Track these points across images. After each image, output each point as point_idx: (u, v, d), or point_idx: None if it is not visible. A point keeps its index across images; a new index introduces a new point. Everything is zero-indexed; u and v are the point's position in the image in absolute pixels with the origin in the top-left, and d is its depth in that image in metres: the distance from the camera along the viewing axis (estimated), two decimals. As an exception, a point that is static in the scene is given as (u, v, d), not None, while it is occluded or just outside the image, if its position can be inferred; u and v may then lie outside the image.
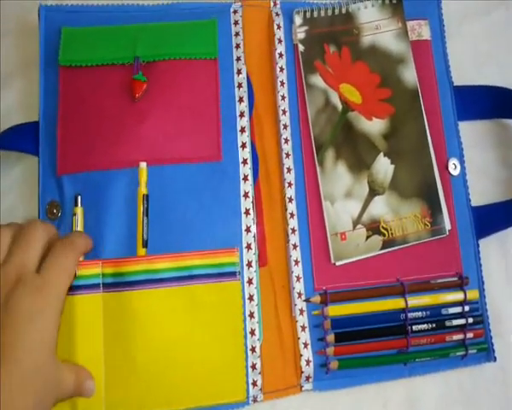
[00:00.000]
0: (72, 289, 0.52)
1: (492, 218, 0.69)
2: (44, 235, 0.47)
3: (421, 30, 0.71)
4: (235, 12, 0.66)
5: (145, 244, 0.55)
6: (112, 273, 0.53)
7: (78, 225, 0.56)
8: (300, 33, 0.66)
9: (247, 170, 0.60)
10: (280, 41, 0.66)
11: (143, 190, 0.56)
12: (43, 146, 0.57)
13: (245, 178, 0.60)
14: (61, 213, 0.56)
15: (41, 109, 0.58)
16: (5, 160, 0.62)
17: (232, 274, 0.57)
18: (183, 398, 0.54)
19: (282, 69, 0.65)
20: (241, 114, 0.62)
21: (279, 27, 0.66)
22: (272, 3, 0.68)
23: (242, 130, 0.61)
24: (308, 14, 0.67)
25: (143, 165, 0.56)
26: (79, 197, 0.56)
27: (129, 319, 0.53)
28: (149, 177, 0.57)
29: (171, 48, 0.61)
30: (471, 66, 0.75)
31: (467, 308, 0.64)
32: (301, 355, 0.58)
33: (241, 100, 0.62)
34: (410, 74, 0.68)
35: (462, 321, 0.64)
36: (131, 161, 0.57)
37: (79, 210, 0.56)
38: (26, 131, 0.60)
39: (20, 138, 0.59)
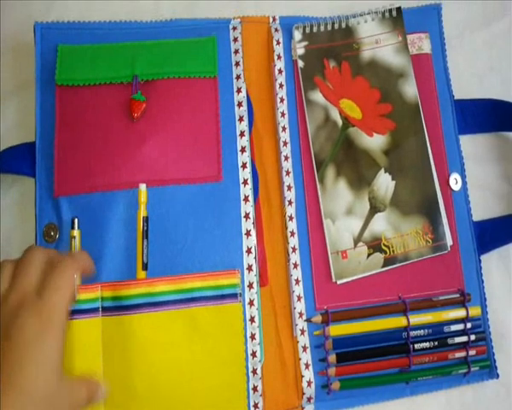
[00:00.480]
0: (71, 313, 0.51)
1: (494, 233, 0.69)
2: (42, 256, 0.46)
3: (421, 43, 0.70)
4: (234, 28, 0.65)
5: (145, 267, 0.55)
6: (111, 297, 0.53)
7: (77, 248, 0.54)
8: (300, 49, 0.66)
9: (247, 191, 0.59)
10: (279, 57, 0.65)
11: (143, 212, 0.55)
12: (40, 167, 0.57)
13: (245, 199, 0.59)
14: (58, 235, 0.55)
15: (37, 130, 0.58)
16: (2, 181, 0.61)
17: (233, 296, 0.56)
18: None
19: (281, 85, 0.64)
20: (242, 134, 0.61)
21: (278, 43, 0.66)
22: (271, 19, 0.67)
23: (243, 150, 0.61)
24: (308, 30, 0.66)
25: (143, 187, 0.55)
26: (76, 220, 0.56)
27: (128, 343, 0.52)
28: (149, 198, 0.57)
29: (170, 66, 0.60)
30: (472, 78, 0.75)
31: (469, 325, 0.64)
32: (303, 376, 0.58)
33: (241, 119, 0.62)
34: (410, 89, 0.68)
35: (464, 338, 0.64)
36: (130, 183, 0.57)
37: (77, 233, 0.55)
38: (21, 152, 0.59)
39: (16, 160, 0.59)
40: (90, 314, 0.51)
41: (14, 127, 0.62)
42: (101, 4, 0.64)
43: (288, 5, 0.69)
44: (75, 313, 0.51)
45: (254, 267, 0.58)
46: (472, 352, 0.63)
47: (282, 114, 0.64)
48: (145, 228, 0.55)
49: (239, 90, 0.62)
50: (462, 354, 0.63)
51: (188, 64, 0.61)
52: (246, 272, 0.58)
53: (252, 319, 0.57)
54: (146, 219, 0.55)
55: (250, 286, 0.57)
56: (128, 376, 0.52)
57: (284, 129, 0.63)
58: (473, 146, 0.72)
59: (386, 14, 0.69)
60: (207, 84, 0.61)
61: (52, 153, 0.56)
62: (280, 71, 0.65)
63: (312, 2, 0.70)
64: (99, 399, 0.47)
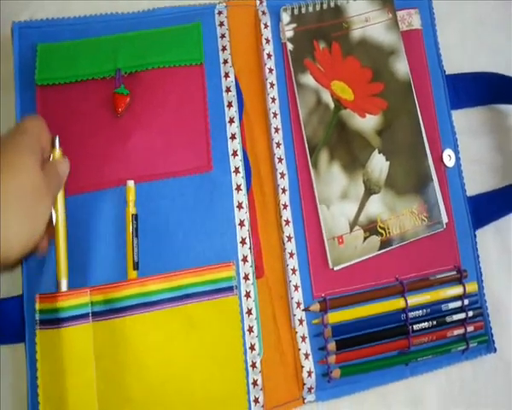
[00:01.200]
0: (60, 321, 0.42)
1: (489, 207, 0.60)
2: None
3: (411, 19, 0.59)
4: (219, 13, 0.54)
5: (136, 266, 0.45)
6: (101, 301, 0.44)
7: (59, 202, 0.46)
8: (289, 31, 0.55)
9: (239, 179, 0.50)
10: (268, 41, 0.55)
11: (132, 209, 0.46)
12: None
13: (238, 188, 0.49)
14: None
15: None
16: None
17: (229, 289, 0.48)
18: None
19: (271, 70, 0.54)
20: (231, 120, 0.51)
21: (266, 26, 0.55)
22: (258, 2, 0.56)
23: (233, 137, 0.51)
24: (296, 11, 0.55)
25: (131, 183, 0.46)
26: (57, 138, 0.46)
27: (122, 347, 0.44)
28: (138, 195, 0.47)
29: (153, 56, 0.50)
30: (463, 52, 0.64)
31: (466, 302, 0.56)
32: (302, 367, 0.49)
33: (230, 105, 0.51)
34: (402, 66, 0.57)
35: (462, 315, 0.55)
36: (118, 180, 0.47)
37: (58, 152, 0.46)
38: None
39: None
40: (80, 321, 0.42)
41: None
42: (80, -1, 0.52)
43: None
44: (65, 320, 0.43)
45: (249, 258, 0.49)
46: (470, 328, 0.55)
47: (273, 100, 0.53)
48: (135, 226, 0.45)
49: (227, 75, 0.52)
50: (460, 331, 0.55)
51: (172, 53, 0.51)
52: (241, 263, 0.49)
53: (249, 312, 0.48)
54: (135, 217, 0.45)
55: (246, 278, 0.49)
56: (123, 381, 0.44)
57: (275, 115, 0.53)
58: (465, 120, 0.62)
59: (376, -9, 0.57)
60: (193, 72, 0.51)
61: None
62: (269, 55, 0.54)
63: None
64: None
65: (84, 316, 0.43)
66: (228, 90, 0.52)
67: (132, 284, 0.45)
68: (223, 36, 0.53)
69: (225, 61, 0.52)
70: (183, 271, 0.47)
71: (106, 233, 0.46)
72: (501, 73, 0.60)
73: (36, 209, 0.37)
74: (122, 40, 0.50)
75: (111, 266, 0.45)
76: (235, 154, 0.50)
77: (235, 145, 0.50)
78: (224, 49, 0.53)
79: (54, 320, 0.43)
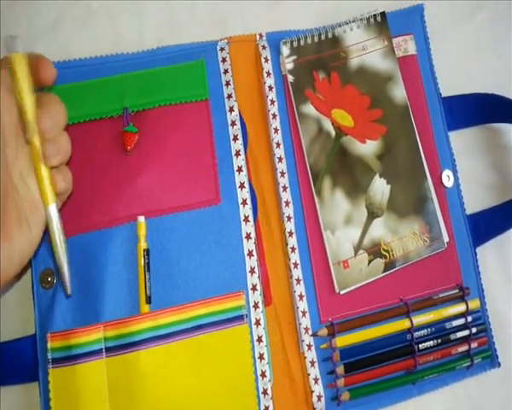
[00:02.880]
0: (73, 358, 0.40)
1: (488, 224, 0.58)
2: None
3: (406, 45, 0.57)
4: (221, 49, 0.53)
5: (148, 301, 0.43)
6: (115, 336, 0.42)
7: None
8: (289, 63, 0.53)
9: (247, 211, 0.48)
10: (269, 74, 0.53)
11: (143, 244, 0.43)
12: None
13: (245, 220, 0.48)
14: (55, 280, 0.43)
15: None
16: None
17: (239, 318, 0.46)
18: None
19: (272, 102, 0.52)
20: (237, 153, 0.50)
21: (267, 60, 0.53)
22: (258, 37, 0.55)
23: (239, 169, 0.49)
24: (295, 44, 0.53)
25: (142, 219, 0.44)
26: (18, 40, 0.39)
27: (136, 380, 0.42)
28: (148, 230, 0.45)
29: (160, 94, 0.49)
30: (460, 71, 0.62)
31: (469, 319, 0.54)
32: (312, 391, 0.47)
33: (235, 138, 0.50)
34: (399, 91, 0.56)
35: (466, 332, 0.54)
36: (128, 217, 0.46)
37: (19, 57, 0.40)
38: None
39: None
40: (93, 357, 0.40)
41: None
42: (84, 40, 0.51)
43: (273, 20, 0.56)
44: (78, 357, 0.41)
45: (258, 287, 0.48)
46: (474, 344, 0.53)
47: (276, 130, 0.51)
48: (146, 261, 0.43)
49: (231, 110, 0.51)
50: (464, 347, 0.53)
51: (178, 90, 0.49)
52: (250, 292, 0.48)
53: (259, 339, 0.46)
54: (147, 252, 0.43)
55: (255, 306, 0.47)
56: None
57: (278, 145, 0.51)
58: (461, 141, 0.61)
59: (371, 20, 0.56)
60: (199, 108, 0.50)
61: None
62: (270, 87, 0.52)
63: (298, 14, 0.57)
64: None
65: (97, 352, 0.41)
66: (233, 123, 0.50)
67: (144, 319, 0.43)
68: (226, 71, 0.52)
69: (229, 96, 0.51)
70: (194, 303, 0.45)
71: (117, 269, 0.44)
72: (495, 92, 0.58)
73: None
74: (128, 79, 0.49)
75: (123, 301, 0.44)
76: (242, 186, 0.49)
77: (241, 178, 0.49)
78: (227, 84, 0.51)
79: (67, 358, 0.41)
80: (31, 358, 0.44)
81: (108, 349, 0.43)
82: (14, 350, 0.44)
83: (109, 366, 0.42)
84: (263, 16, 0.57)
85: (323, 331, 0.49)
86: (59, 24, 0.53)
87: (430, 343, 0.52)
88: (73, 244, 0.44)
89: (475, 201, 0.59)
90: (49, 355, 0.42)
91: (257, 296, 0.47)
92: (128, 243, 0.45)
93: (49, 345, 0.42)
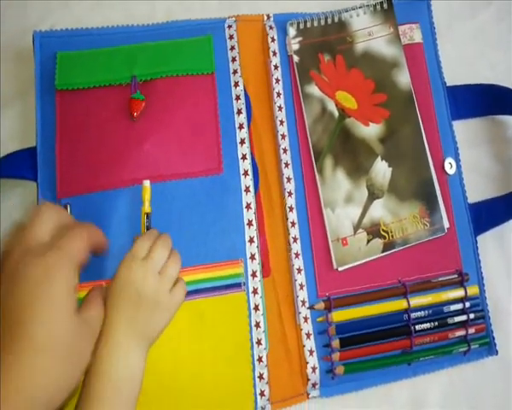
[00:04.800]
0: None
1: (489, 213, 0.62)
2: (52, 216, 0.39)
3: (412, 33, 0.62)
4: (229, 27, 0.58)
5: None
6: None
7: None
8: (295, 44, 0.58)
9: (248, 181, 0.53)
10: (275, 53, 0.58)
11: (147, 208, 0.48)
12: (42, 171, 0.51)
13: (246, 190, 0.53)
14: None
15: (38, 135, 0.52)
16: (2, 185, 0.55)
17: (237, 285, 0.51)
18: (195, 407, 0.48)
19: (277, 80, 0.57)
20: (240, 126, 0.55)
21: (273, 40, 0.59)
22: (265, 17, 0.60)
23: (242, 142, 0.54)
24: (301, 25, 0.59)
25: (147, 183, 0.49)
26: (68, 207, 0.49)
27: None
28: (153, 195, 0.50)
29: (167, 65, 0.54)
30: (463, 65, 0.67)
31: (468, 305, 0.57)
32: (307, 363, 0.52)
33: (239, 112, 0.55)
34: (403, 78, 0.60)
35: (463, 317, 0.57)
36: (133, 180, 0.51)
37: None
38: (22, 158, 0.52)
39: (17, 165, 0.52)
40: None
41: (14, 134, 0.56)
42: (98, 11, 0.57)
43: (280, 4, 0.61)
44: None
45: (257, 256, 0.52)
46: (471, 330, 0.57)
47: (280, 108, 0.57)
48: (147, 224, 0.48)
49: (236, 84, 0.56)
50: (461, 332, 0.57)
51: (185, 62, 0.54)
52: (249, 261, 0.52)
53: (256, 308, 0.51)
54: (148, 216, 0.48)
55: (253, 275, 0.51)
56: None
57: (282, 122, 0.56)
58: (465, 131, 0.65)
59: (378, 7, 0.62)
60: (205, 81, 0.55)
61: (53, 156, 0.51)
62: (276, 66, 0.58)
63: (304, 1, 0.62)
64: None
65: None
66: (237, 98, 0.55)
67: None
68: (232, 48, 0.57)
69: (235, 72, 0.56)
70: (194, 267, 0.50)
71: (120, 230, 0.49)
72: (499, 84, 0.63)
73: (71, 357, 0.35)
74: (138, 50, 0.54)
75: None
76: (244, 158, 0.54)
77: (244, 149, 0.54)
78: (233, 60, 0.57)
79: None
80: None
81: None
82: None
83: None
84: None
85: (320, 305, 0.53)
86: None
87: (427, 325, 0.56)
88: (80, 202, 0.49)
89: (477, 190, 0.63)
90: None
91: (255, 266, 0.52)
92: (131, 206, 0.50)
93: None
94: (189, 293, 0.49)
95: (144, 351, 0.42)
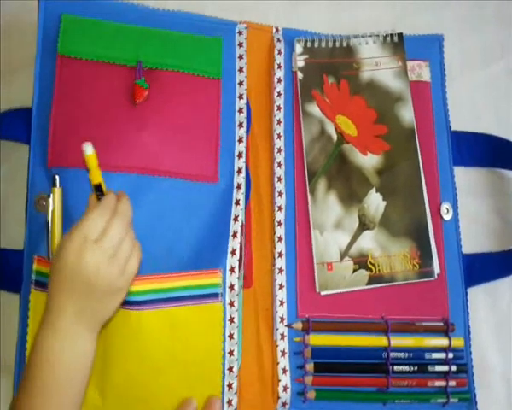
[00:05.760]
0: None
1: (483, 267, 0.83)
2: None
3: (421, 71, 0.86)
4: (240, 33, 0.80)
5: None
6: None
7: (56, 205, 0.66)
8: (300, 61, 0.82)
9: (239, 195, 0.73)
10: (279, 66, 0.81)
11: (96, 178, 0.60)
12: (35, 135, 0.68)
13: (237, 203, 0.73)
14: (49, 207, 0.65)
15: (35, 96, 0.69)
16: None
17: (214, 296, 0.69)
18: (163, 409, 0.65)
19: (279, 94, 0.80)
20: (240, 140, 0.75)
21: (279, 53, 0.82)
22: (275, 29, 0.83)
23: (240, 155, 0.75)
24: (309, 44, 0.82)
25: (89, 149, 0.59)
26: (57, 177, 0.66)
27: (107, 334, 0.63)
28: (142, 187, 0.68)
29: (175, 59, 0.73)
30: (470, 113, 0.90)
31: (451, 355, 0.77)
32: (279, 381, 0.70)
33: (240, 125, 0.76)
34: (407, 113, 0.83)
35: (445, 368, 0.76)
36: (125, 167, 0.68)
37: (57, 190, 0.66)
38: (17, 116, 0.71)
39: (10, 123, 0.71)
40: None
41: (19, 103, 0.73)
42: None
43: (290, 19, 0.87)
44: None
45: (236, 270, 0.70)
46: (452, 382, 0.76)
47: (279, 122, 0.79)
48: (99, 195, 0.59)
49: (241, 97, 0.77)
50: (441, 383, 0.76)
51: (193, 60, 0.75)
52: (228, 273, 0.70)
53: (231, 320, 0.69)
54: (98, 188, 0.60)
55: (231, 287, 0.70)
56: (105, 364, 0.63)
57: (279, 136, 0.79)
58: (467, 179, 0.87)
59: (388, 39, 0.85)
60: (211, 85, 0.76)
61: (48, 123, 0.68)
62: (279, 80, 0.81)
63: (313, 19, 0.88)
64: None
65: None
66: (240, 111, 0.77)
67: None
68: (241, 57, 0.79)
69: (241, 83, 0.77)
70: (171, 274, 0.67)
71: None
72: (505, 138, 0.86)
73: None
74: (146, 34, 0.73)
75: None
76: (239, 171, 0.74)
77: (240, 163, 0.75)
78: (240, 70, 0.78)
79: (47, 285, 0.63)
80: (17, 271, 0.66)
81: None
82: (3, 258, 0.67)
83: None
84: (281, 12, 0.86)
85: (298, 325, 0.74)
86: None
87: (406, 368, 0.76)
88: (70, 176, 0.67)
89: (473, 241, 0.85)
90: (33, 277, 0.65)
91: (234, 278, 0.70)
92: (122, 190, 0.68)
93: (35, 267, 0.65)
94: (164, 300, 0.66)
95: (94, 334, 0.56)
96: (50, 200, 0.66)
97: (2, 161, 0.75)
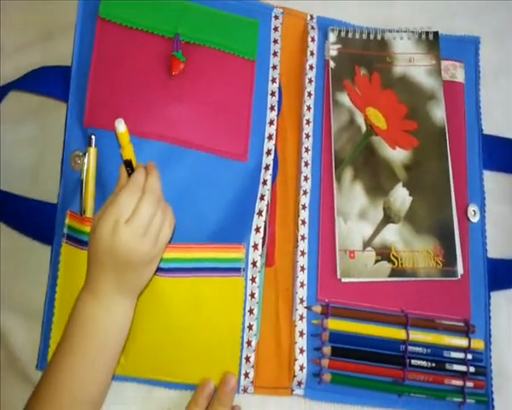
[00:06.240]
0: (84, 243, 0.77)
1: (508, 273, 0.95)
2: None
3: (455, 71, 1.01)
4: (276, 17, 0.94)
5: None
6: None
7: (91, 164, 0.79)
8: (333, 50, 0.96)
9: (267, 175, 0.87)
10: (312, 54, 0.95)
11: (127, 154, 0.72)
12: (73, 94, 0.82)
13: (264, 183, 0.86)
14: (85, 165, 0.79)
15: (75, 56, 0.82)
16: (34, 111, 0.89)
17: (236, 270, 0.82)
18: (179, 375, 0.79)
19: (310, 81, 0.94)
20: (271, 122, 0.90)
21: (313, 40, 0.96)
22: (309, 17, 0.97)
23: (270, 137, 0.89)
24: (343, 34, 0.97)
25: (122, 126, 0.70)
26: (93, 137, 0.79)
27: None
28: (173, 157, 0.81)
29: (212, 36, 0.87)
30: (503, 118, 1.04)
31: (470, 356, 0.89)
32: (296, 360, 0.83)
33: (272, 108, 0.90)
34: (438, 112, 0.97)
35: (463, 368, 0.89)
36: (158, 135, 0.81)
37: (92, 150, 0.79)
38: (56, 73, 0.84)
39: (50, 80, 0.85)
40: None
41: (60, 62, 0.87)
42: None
43: (325, 8, 1.00)
44: (87, 244, 0.71)
45: (260, 247, 0.83)
46: (469, 384, 0.88)
47: (308, 108, 0.93)
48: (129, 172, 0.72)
49: (274, 80, 0.91)
50: (458, 382, 0.88)
51: (230, 39, 0.88)
52: (251, 249, 0.84)
53: (252, 295, 0.82)
54: (128, 164, 0.72)
55: (254, 264, 0.83)
56: (131, 328, 0.73)
57: (308, 122, 0.93)
58: (498, 184, 1.00)
59: (423, 36, 0.99)
60: (245, 65, 0.90)
61: (86, 83, 0.81)
62: (311, 67, 0.95)
63: (349, 10, 1.02)
64: None
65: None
66: (273, 94, 0.91)
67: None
68: (275, 41, 0.93)
69: (274, 67, 0.91)
70: (196, 245, 0.80)
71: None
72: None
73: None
74: (186, 8, 0.86)
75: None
76: (268, 153, 0.88)
77: (270, 145, 0.88)
78: (275, 54, 0.92)
79: (79, 241, 0.77)
80: (51, 223, 0.81)
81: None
82: (37, 209, 0.81)
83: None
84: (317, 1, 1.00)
85: (317, 308, 0.87)
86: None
87: (423, 363, 0.88)
88: (105, 137, 0.80)
89: (500, 247, 0.97)
90: (65, 230, 0.78)
91: (256, 255, 0.83)
92: (150, 158, 0.78)
93: (67, 222, 0.79)
94: (189, 270, 0.79)
95: (132, 302, 0.71)
96: (85, 159, 0.79)
97: (41, 117, 0.90)
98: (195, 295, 0.80)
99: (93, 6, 0.85)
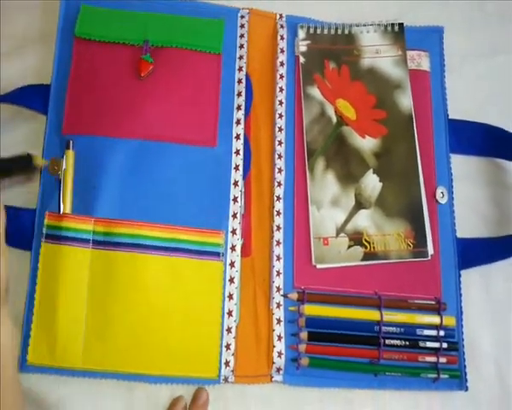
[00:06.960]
0: (63, 239, 0.74)
1: (477, 251, 0.90)
2: None
3: (420, 60, 0.95)
4: (242, 17, 0.90)
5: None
6: (103, 232, 0.73)
7: (69, 165, 0.77)
8: (302, 46, 0.91)
9: (238, 160, 0.83)
10: (282, 51, 0.90)
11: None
12: (52, 105, 0.80)
13: (236, 168, 0.83)
14: (61, 171, 0.76)
15: (54, 73, 0.81)
16: (14, 119, 0.85)
17: (215, 254, 0.79)
18: (157, 364, 0.74)
19: (281, 76, 0.89)
20: (238, 107, 0.86)
21: (282, 38, 0.91)
22: (278, 16, 0.93)
23: (238, 122, 0.85)
24: (311, 30, 0.92)
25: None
26: (71, 141, 0.77)
27: (113, 278, 0.73)
28: (147, 152, 0.79)
29: (179, 37, 0.85)
30: (470, 104, 0.98)
31: (442, 333, 0.84)
32: (274, 347, 0.79)
33: (239, 94, 0.86)
34: (405, 100, 0.92)
35: (436, 344, 0.84)
36: (132, 133, 0.79)
37: (70, 152, 0.77)
38: (38, 91, 0.83)
39: (31, 96, 0.83)
40: (81, 243, 0.73)
41: (33, 72, 0.87)
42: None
43: (294, 8, 0.95)
44: (66, 239, 0.73)
45: (238, 232, 0.80)
46: (442, 359, 0.84)
47: (280, 103, 0.88)
48: None
49: (240, 69, 0.87)
50: (432, 358, 0.83)
51: (196, 38, 0.85)
52: (230, 234, 0.80)
53: (231, 280, 0.78)
54: None
55: (232, 249, 0.79)
56: (109, 309, 0.73)
57: (281, 116, 0.88)
58: (466, 167, 0.95)
59: (389, 28, 0.94)
60: (212, 59, 0.86)
61: (64, 95, 0.80)
62: (282, 63, 0.90)
63: (320, 8, 0.96)
64: None
65: (85, 241, 0.73)
66: (239, 81, 0.87)
67: (132, 225, 0.74)
68: (242, 36, 0.89)
69: (241, 57, 0.88)
70: (178, 226, 0.77)
71: (114, 176, 0.77)
72: (505, 129, 0.93)
73: None
74: (154, 17, 0.85)
75: (114, 206, 0.75)
76: (237, 137, 0.84)
77: (238, 130, 0.85)
78: (241, 46, 0.88)
79: (58, 237, 0.73)
80: (29, 229, 0.77)
81: (95, 242, 0.74)
82: (17, 216, 0.77)
83: (93, 257, 0.73)
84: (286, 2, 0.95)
85: (293, 295, 0.82)
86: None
87: (397, 342, 0.83)
88: (82, 142, 0.78)
89: (468, 227, 0.92)
90: (44, 230, 0.74)
91: (235, 240, 0.80)
92: (126, 156, 0.78)
93: (46, 221, 0.75)
94: (169, 249, 0.76)
95: None
96: (64, 160, 0.77)
97: (21, 127, 0.86)
98: (175, 276, 0.77)
99: (70, 30, 0.85)
